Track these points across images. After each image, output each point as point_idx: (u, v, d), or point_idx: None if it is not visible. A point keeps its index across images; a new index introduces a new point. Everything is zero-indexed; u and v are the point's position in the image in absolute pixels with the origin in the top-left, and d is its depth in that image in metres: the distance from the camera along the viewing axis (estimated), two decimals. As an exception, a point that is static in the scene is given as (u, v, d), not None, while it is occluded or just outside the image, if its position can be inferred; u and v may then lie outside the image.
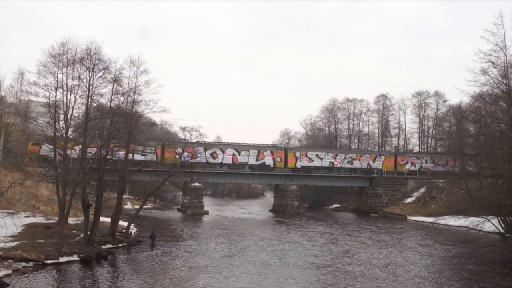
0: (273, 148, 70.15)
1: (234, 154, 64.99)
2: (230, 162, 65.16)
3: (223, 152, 65.00)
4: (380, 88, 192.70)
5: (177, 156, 59.44)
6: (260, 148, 67.37)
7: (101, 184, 30.05)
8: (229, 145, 66.72)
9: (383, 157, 72.38)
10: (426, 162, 72.81)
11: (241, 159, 65.84)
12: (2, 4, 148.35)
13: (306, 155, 68.45)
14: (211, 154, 64.58)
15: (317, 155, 69.15)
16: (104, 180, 30.54)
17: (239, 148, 66.26)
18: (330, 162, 68.88)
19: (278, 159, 65.99)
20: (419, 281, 22.81)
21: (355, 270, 24.73)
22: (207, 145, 65.32)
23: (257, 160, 65.75)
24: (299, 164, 67.73)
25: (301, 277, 23.10)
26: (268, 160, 66.52)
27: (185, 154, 59.86)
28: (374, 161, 71.27)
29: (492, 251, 30.07)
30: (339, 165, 69.45)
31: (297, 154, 68.56)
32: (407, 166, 72.12)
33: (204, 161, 63.54)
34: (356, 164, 70.49)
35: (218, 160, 64.91)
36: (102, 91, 31.07)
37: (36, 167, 44.27)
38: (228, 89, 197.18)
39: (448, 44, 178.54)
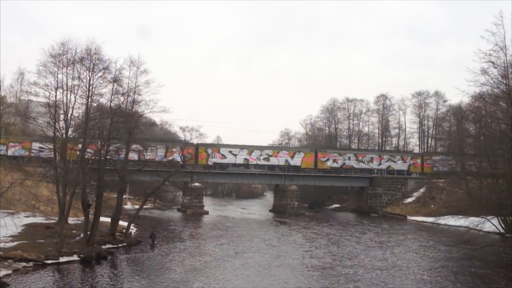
0: (182, 144, 62.15)
1: (141, 150, 57.30)
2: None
3: None
4: (380, 88, 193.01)
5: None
6: (169, 144, 63.71)
7: (101, 184, 30.04)
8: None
9: (302, 154, 69.29)
10: (349, 159, 70.71)
11: (152, 155, 60.98)
12: (2, 4, 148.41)
13: (218, 152, 65.33)
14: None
15: (230, 152, 66.06)
16: (104, 180, 30.53)
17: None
18: (245, 158, 65.62)
19: (188, 156, 60.38)
20: (420, 283, 22.73)
21: (356, 272, 24.52)
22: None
23: (165, 156, 61.01)
24: (210, 161, 64.60)
25: (300, 279, 22.89)
26: (176, 156, 61.27)
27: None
28: (292, 157, 68.28)
29: (492, 251, 30.06)
30: (254, 162, 66.66)
31: (209, 150, 65.07)
32: (329, 163, 69.35)
33: None
34: (273, 161, 67.44)
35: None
36: (102, 91, 31.11)
37: (36, 167, 44.25)
38: (228, 89, 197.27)
39: (448, 44, 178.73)
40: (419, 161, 73.28)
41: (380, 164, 71.89)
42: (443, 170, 70.78)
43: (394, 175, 71.42)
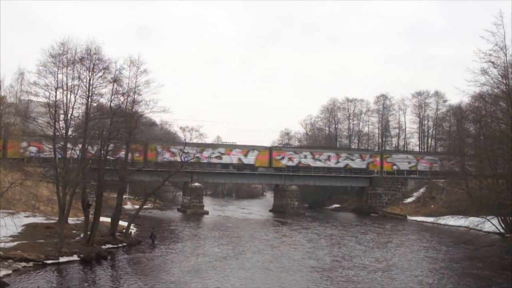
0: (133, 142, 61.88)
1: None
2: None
3: None
4: (380, 88, 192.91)
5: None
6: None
7: (101, 184, 30.04)
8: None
9: (256, 152, 67.34)
10: (305, 157, 69.25)
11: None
12: (2, 4, 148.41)
13: (168, 150, 62.38)
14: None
15: (181, 150, 63.32)
16: (104, 180, 30.54)
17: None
18: (196, 157, 61.39)
19: (137, 154, 56.79)
20: (421, 284, 22.65)
21: (356, 274, 24.26)
22: None
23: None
24: (160, 159, 61.48)
25: (300, 280, 22.70)
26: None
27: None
28: (246, 155, 66.56)
29: (492, 251, 30.02)
30: (205, 160, 64.66)
31: (159, 148, 62.00)
32: (284, 162, 67.75)
33: None
34: (226, 159, 65.63)
35: None
36: (102, 91, 31.13)
37: (36, 167, 44.25)
38: (228, 89, 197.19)
39: (448, 44, 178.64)
40: (378, 159, 71.92)
41: (337, 162, 70.28)
42: (403, 168, 70.97)
43: (394, 175, 71.37)
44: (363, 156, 72.05)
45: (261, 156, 67.37)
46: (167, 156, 59.52)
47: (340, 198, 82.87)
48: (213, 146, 67.75)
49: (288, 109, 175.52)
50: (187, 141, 44.86)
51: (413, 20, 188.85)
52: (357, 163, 71.13)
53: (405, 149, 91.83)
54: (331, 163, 70.10)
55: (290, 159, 68.35)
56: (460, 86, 63.46)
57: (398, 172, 71.79)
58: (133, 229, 37.40)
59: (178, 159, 61.31)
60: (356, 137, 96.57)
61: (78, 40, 37.39)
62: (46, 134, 31.63)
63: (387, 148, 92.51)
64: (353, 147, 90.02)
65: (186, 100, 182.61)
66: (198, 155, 61.71)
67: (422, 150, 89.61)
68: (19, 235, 27.79)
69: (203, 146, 62.93)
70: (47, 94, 29.27)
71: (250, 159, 66.99)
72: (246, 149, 67.69)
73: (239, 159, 66.62)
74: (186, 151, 61.77)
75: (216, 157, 65.20)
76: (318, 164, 69.49)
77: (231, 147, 67.40)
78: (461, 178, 46.96)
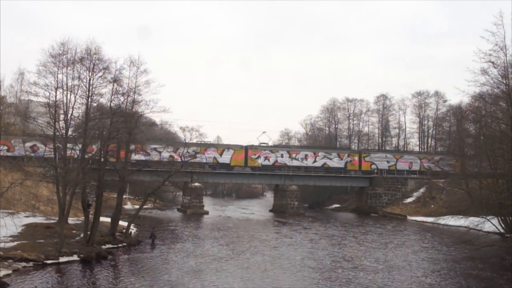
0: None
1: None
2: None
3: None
4: (380, 88, 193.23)
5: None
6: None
7: (101, 184, 30.04)
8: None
9: (231, 151, 66.12)
10: (282, 156, 68.02)
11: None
12: (2, 4, 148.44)
13: (141, 149, 59.62)
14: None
15: (155, 149, 61.78)
16: (104, 180, 30.53)
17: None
18: (170, 155, 60.23)
19: (110, 153, 57.45)
20: (422, 285, 22.56)
21: (356, 275, 24.00)
22: None
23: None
24: (133, 158, 58.22)
25: (300, 282, 22.54)
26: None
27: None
28: (221, 155, 65.41)
29: (492, 252, 30.00)
30: (178, 159, 61.41)
31: (132, 147, 61.00)
32: (260, 161, 66.51)
33: None
34: (201, 158, 63.69)
35: None
36: (102, 91, 31.07)
37: (36, 167, 44.25)
38: (228, 89, 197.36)
39: (448, 44, 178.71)
40: (356, 158, 71.07)
41: (314, 161, 69.21)
42: (380, 168, 69.97)
43: (394, 175, 71.36)
44: (341, 155, 70.91)
45: (236, 155, 66.08)
46: (141, 155, 57.87)
47: (340, 198, 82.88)
48: (188, 145, 66.40)
49: (288, 109, 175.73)
50: (186, 140, 44.68)
51: (413, 20, 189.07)
52: (334, 162, 69.88)
53: (405, 149, 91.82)
54: (308, 162, 68.91)
55: (266, 158, 67.07)
56: (460, 86, 63.39)
57: (398, 172, 71.78)
58: (133, 229, 37.40)
59: (154, 158, 61.04)
60: (356, 137, 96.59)
61: (78, 40, 37.42)
62: (46, 134, 31.62)
63: (387, 148, 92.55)
64: (353, 147, 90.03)
65: (186, 100, 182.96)
66: (173, 154, 60.10)
67: (422, 150, 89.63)
68: (19, 235, 27.78)
69: (177, 145, 61.17)
70: (47, 94, 29.27)
71: (226, 158, 65.83)
72: (221, 148, 66.86)
73: (214, 158, 65.46)
74: (159, 150, 61.02)
75: (190, 156, 62.36)
76: (295, 163, 68.31)
77: (205, 146, 65.93)
78: (461, 178, 46.97)
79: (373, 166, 70.88)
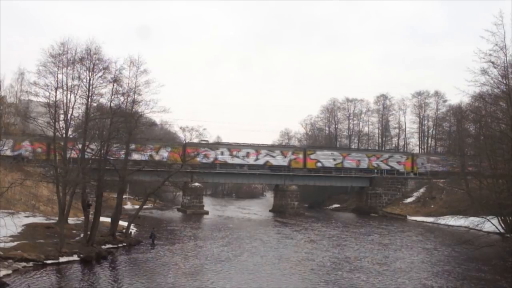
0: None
1: None
2: None
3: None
4: (380, 88, 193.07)
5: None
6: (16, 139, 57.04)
7: (101, 184, 30.03)
8: None
9: (168, 148, 63.10)
10: (222, 154, 65.95)
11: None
12: (2, 4, 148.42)
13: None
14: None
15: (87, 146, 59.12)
16: (104, 180, 30.53)
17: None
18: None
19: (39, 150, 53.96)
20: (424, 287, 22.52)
21: (357, 277, 23.75)
22: None
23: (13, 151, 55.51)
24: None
25: (300, 283, 22.38)
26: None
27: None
28: (157, 152, 61.96)
29: (494, 253, 29.90)
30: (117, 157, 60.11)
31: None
32: (199, 158, 62.90)
33: None
34: (136, 156, 59.74)
35: None
36: (102, 91, 31.11)
37: (36, 167, 44.27)
38: (228, 89, 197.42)
39: (448, 44, 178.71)
40: (301, 156, 69.26)
41: (257, 159, 67.43)
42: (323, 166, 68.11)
43: (394, 175, 71.37)
44: (285, 152, 69.39)
45: (173, 153, 62.45)
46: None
47: (340, 198, 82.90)
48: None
49: (288, 109, 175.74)
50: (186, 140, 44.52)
51: (413, 20, 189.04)
52: (278, 160, 68.18)
53: (405, 149, 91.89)
54: (250, 160, 67.23)
55: (205, 155, 64.21)
56: (460, 86, 63.35)
57: (397, 172, 71.79)
58: (133, 229, 37.40)
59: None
60: (356, 137, 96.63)
61: (78, 40, 37.58)
62: (46, 134, 31.63)
63: (387, 148, 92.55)
64: (353, 147, 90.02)
65: (186, 100, 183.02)
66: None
67: (423, 151, 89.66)
68: (19, 235, 27.78)
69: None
70: (47, 94, 29.33)
71: (162, 156, 62.86)
72: (158, 145, 63.79)
73: (151, 155, 61.52)
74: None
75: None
76: (236, 161, 66.63)
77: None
78: (461, 178, 46.96)
79: (319, 164, 69.14)
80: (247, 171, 67.48)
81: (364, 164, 70.59)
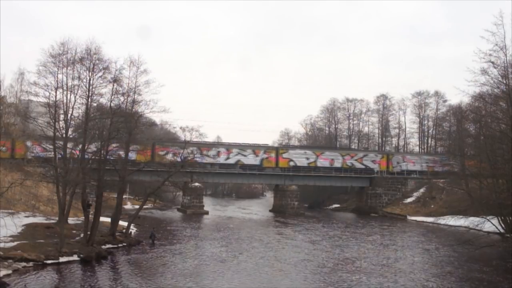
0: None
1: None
2: None
3: None
4: (380, 88, 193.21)
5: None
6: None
7: (101, 184, 30.03)
8: None
9: (137, 147, 59.21)
10: (192, 153, 62.85)
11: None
12: (2, 4, 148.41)
13: (39, 145, 55.71)
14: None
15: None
16: (104, 180, 30.52)
17: None
18: (71, 152, 56.04)
19: (4, 149, 52.97)
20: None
21: (359, 279, 23.46)
22: None
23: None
24: (29, 155, 55.34)
25: (300, 284, 22.21)
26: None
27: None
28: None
29: (495, 254, 29.89)
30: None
31: (28, 143, 55.83)
32: (168, 157, 61.82)
33: None
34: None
35: None
36: (102, 91, 31.12)
37: (36, 167, 44.26)
38: (228, 89, 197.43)
39: (448, 45, 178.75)
40: (273, 155, 68.27)
41: (227, 158, 66.30)
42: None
43: (394, 175, 71.36)
44: (257, 151, 67.86)
45: (142, 152, 59.47)
46: (38, 151, 54.85)
47: (340, 198, 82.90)
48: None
49: (288, 109, 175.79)
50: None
51: (413, 20, 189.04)
52: (249, 159, 67.04)
53: (405, 149, 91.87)
54: (221, 159, 66.14)
55: (174, 154, 60.94)
56: (460, 86, 63.53)
57: (397, 172, 71.77)
58: (133, 229, 37.40)
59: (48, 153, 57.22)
60: (356, 137, 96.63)
61: (78, 40, 37.54)
62: (46, 134, 31.62)
63: (387, 148, 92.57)
64: (353, 147, 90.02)
65: (186, 100, 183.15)
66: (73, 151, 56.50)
67: (423, 151, 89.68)
68: (19, 235, 27.78)
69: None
70: (47, 94, 29.30)
71: (130, 155, 61.43)
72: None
73: (119, 154, 61.10)
74: (58, 146, 56.88)
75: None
76: (207, 160, 65.12)
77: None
78: (461, 178, 46.98)
79: (291, 163, 68.23)
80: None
81: (338, 163, 69.84)
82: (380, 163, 71.76)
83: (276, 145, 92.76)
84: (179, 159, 60.98)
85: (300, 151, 71.41)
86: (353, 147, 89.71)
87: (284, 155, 68.84)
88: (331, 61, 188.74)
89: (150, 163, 55.08)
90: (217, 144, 68.09)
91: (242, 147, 68.44)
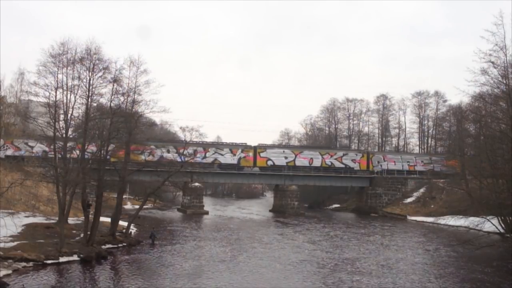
0: None
1: None
2: None
3: None
4: (380, 88, 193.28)
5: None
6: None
7: (101, 184, 30.03)
8: None
9: (112, 146, 60.09)
10: (168, 152, 62.90)
11: None
12: (2, 4, 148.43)
13: (11, 143, 56.94)
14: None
15: (26, 143, 57.14)
16: (104, 180, 30.53)
17: None
18: (44, 151, 52.99)
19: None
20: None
21: (360, 279, 23.34)
22: None
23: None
24: (2, 154, 54.55)
25: (299, 285, 22.19)
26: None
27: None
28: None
29: (496, 254, 29.87)
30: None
31: (1, 141, 54.84)
32: (143, 156, 59.41)
33: None
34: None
35: None
36: (102, 91, 31.04)
37: (36, 167, 44.23)
38: (228, 89, 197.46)
39: (448, 45, 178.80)
40: (251, 154, 67.39)
41: (204, 157, 65.46)
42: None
43: (394, 175, 71.35)
44: (234, 151, 67.04)
45: (117, 151, 60.44)
46: (11, 150, 56.40)
47: (340, 198, 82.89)
48: (63, 140, 58.85)
49: (288, 109, 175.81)
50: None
51: (413, 20, 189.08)
52: (227, 158, 66.47)
53: (405, 149, 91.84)
54: (197, 158, 64.54)
55: (150, 153, 60.27)
56: (460, 86, 63.55)
57: (398, 172, 71.76)
58: (133, 229, 37.39)
59: (23, 153, 54.55)
60: (356, 137, 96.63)
61: (78, 40, 37.41)
62: (46, 134, 31.61)
63: (387, 148, 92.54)
64: (353, 147, 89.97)
65: (186, 100, 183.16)
66: (46, 149, 53.00)
67: (422, 151, 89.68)
68: (19, 235, 27.77)
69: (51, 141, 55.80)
70: (47, 94, 29.22)
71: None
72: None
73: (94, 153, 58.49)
74: (31, 145, 55.61)
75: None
76: (181, 158, 62.22)
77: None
78: (461, 178, 47.01)
79: (269, 162, 67.70)
80: (247, 171, 67.08)
81: (317, 162, 69.46)
82: (360, 162, 71.54)
83: (276, 143, 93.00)
84: (154, 158, 60.52)
85: (278, 150, 70.94)
86: (353, 147, 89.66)
87: (262, 154, 68.18)
88: (331, 61, 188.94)
89: (150, 162, 54.95)
90: (193, 143, 65.64)
91: (220, 146, 68.28)
